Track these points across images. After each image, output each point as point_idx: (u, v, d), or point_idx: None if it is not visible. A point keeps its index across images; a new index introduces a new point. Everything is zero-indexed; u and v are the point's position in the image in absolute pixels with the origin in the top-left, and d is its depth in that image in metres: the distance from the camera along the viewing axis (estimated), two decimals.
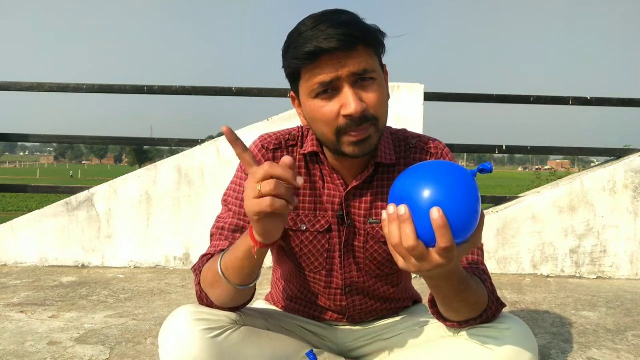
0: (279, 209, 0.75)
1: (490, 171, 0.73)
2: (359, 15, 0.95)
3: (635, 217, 2.79)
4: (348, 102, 0.90)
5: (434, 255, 0.72)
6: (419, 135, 1.13)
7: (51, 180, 35.24)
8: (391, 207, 0.73)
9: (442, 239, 0.69)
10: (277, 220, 0.80)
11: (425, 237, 0.70)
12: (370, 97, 0.92)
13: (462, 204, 0.70)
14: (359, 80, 0.92)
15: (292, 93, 1.03)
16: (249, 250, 0.85)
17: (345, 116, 0.91)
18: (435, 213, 0.69)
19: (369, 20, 0.95)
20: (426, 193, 0.70)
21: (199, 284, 0.98)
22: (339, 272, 1.11)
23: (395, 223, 0.72)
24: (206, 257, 1.01)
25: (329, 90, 0.92)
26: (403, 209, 0.71)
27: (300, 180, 0.76)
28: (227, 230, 1.03)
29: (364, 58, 0.91)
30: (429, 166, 0.75)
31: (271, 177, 0.75)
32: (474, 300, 0.89)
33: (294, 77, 0.97)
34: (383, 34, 0.96)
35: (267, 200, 0.75)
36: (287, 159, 0.77)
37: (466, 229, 0.71)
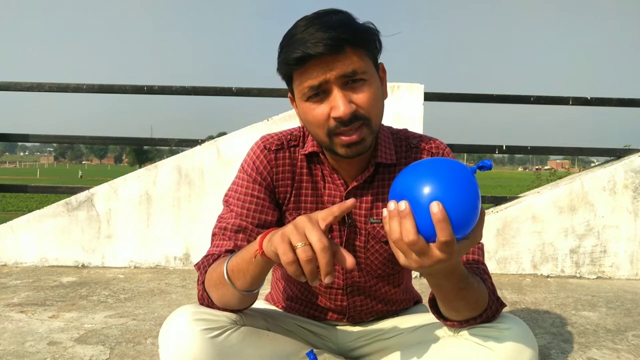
0: (297, 275, 0.76)
1: (490, 168, 0.74)
2: (352, 14, 0.95)
3: (635, 217, 2.79)
4: (337, 104, 0.91)
5: (435, 250, 0.72)
6: (420, 135, 1.13)
7: (55, 180, 35.24)
8: (392, 204, 0.74)
9: (442, 233, 0.70)
10: None
11: (426, 232, 0.71)
12: (360, 97, 0.93)
13: (462, 199, 0.71)
14: (349, 82, 0.92)
15: (289, 94, 1.04)
16: (258, 264, 0.85)
17: (335, 118, 0.92)
18: (435, 207, 0.69)
19: (369, 19, 0.95)
20: (426, 189, 0.71)
21: (202, 283, 0.98)
22: (340, 272, 1.11)
23: (396, 219, 0.73)
24: (211, 257, 1.00)
25: (320, 93, 0.93)
26: (403, 204, 0.72)
27: (329, 280, 0.74)
28: (229, 231, 1.03)
29: (352, 60, 0.91)
30: (428, 163, 0.76)
31: (319, 252, 0.73)
32: (475, 299, 0.89)
33: (287, 79, 0.99)
34: (376, 33, 0.96)
35: (295, 265, 0.75)
36: (349, 261, 0.75)
37: (466, 224, 0.72)
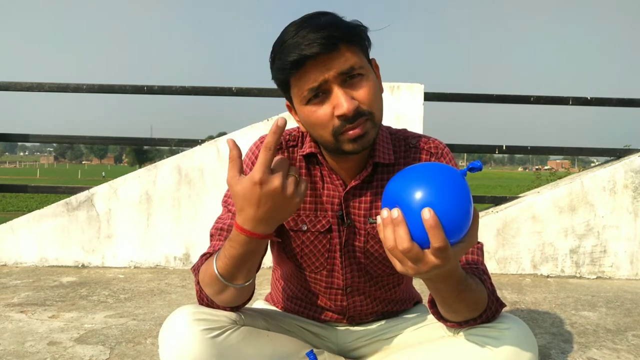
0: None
1: (480, 169, 0.74)
2: (338, 14, 0.95)
3: (635, 217, 2.79)
4: (339, 102, 0.91)
5: (429, 256, 0.72)
6: (419, 135, 1.13)
7: (55, 180, 35.25)
8: (385, 212, 0.74)
9: (435, 239, 0.69)
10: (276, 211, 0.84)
11: (420, 238, 0.71)
12: (360, 93, 0.93)
13: (453, 203, 0.71)
14: (348, 79, 0.92)
15: (287, 103, 1.04)
16: (241, 245, 0.86)
17: (338, 116, 0.92)
18: (427, 213, 0.69)
19: (365, 19, 0.96)
20: (417, 195, 0.71)
21: (198, 283, 0.98)
22: (339, 272, 1.11)
23: (390, 227, 0.73)
24: (205, 257, 1.01)
25: (320, 94, 0.93)
26: (396, 212, 0.72)
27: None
28: (226, 231, 1.03)
29: (348, 56, 0.91)
30: (418, 168, 0.76)
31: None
32: (474, 301, 0.89)
33: (284, 87, 0.98)
34: (365, 29, 0.97)
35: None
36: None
37: (459, 228, 0.72)
